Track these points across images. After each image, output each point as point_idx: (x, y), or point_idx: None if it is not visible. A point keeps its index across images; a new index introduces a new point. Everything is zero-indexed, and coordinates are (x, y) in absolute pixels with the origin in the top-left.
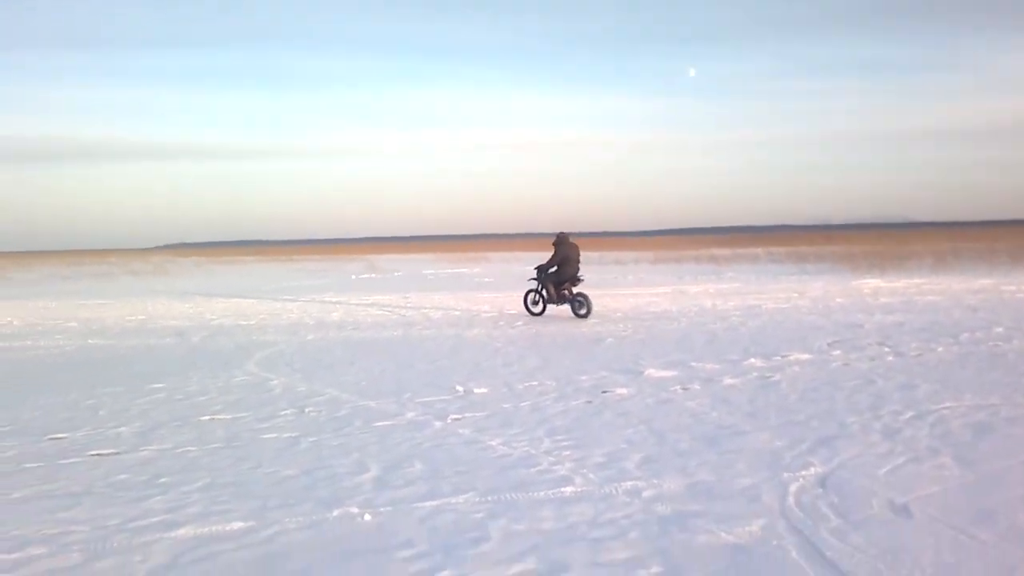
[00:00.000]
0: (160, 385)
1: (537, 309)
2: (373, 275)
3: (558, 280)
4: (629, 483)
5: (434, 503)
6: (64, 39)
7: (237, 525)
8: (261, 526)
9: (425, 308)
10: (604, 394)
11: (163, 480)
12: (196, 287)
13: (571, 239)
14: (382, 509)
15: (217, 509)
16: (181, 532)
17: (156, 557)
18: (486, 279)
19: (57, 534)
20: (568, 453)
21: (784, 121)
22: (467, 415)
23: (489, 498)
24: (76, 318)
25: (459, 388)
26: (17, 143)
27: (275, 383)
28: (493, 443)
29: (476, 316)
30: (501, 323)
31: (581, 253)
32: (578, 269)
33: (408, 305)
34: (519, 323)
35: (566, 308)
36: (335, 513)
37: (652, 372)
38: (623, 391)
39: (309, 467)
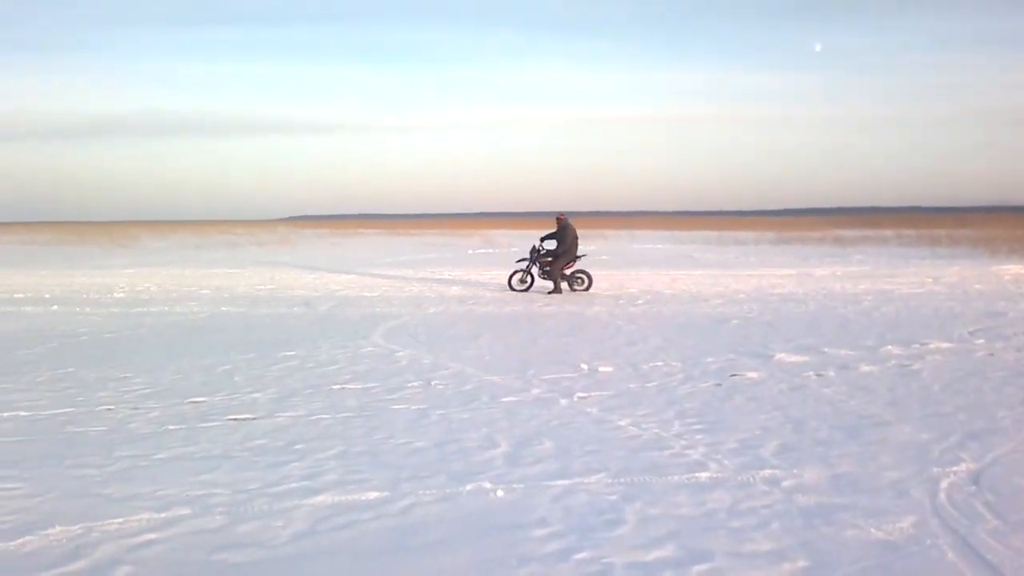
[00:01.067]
0: (291, 353)
1: (523, 287)
2: (491, 250)
3: (567, 261)
4: (767, 471)
5: (566, 482)
6: (192, 16)
7: (373, 495)
8: (396, 496)
9: (544, 284)
10: (733, 377)
11: (299, 447)
12: (320, 258)
13: (558, 220)
14: (515, 486)
15: (353, 478)
16: (319, 499)
17: (296, 523)
18: (603, 257)
19: (201, 496)
20: (700, 437)
21: (914, 98)
22: (593, 394)
23: (622, 480)
24: (208, 286)
25: (583, 366)
26: (151, 117)
27: (401, 355)
28: (622, 423)
29: (595, 294)
30: (622, 301)
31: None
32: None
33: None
34: (640, 302)
35: (548, 284)
36: (468, 487)
37: (782, 356)
38: (753, 375)
39: (440, 440)
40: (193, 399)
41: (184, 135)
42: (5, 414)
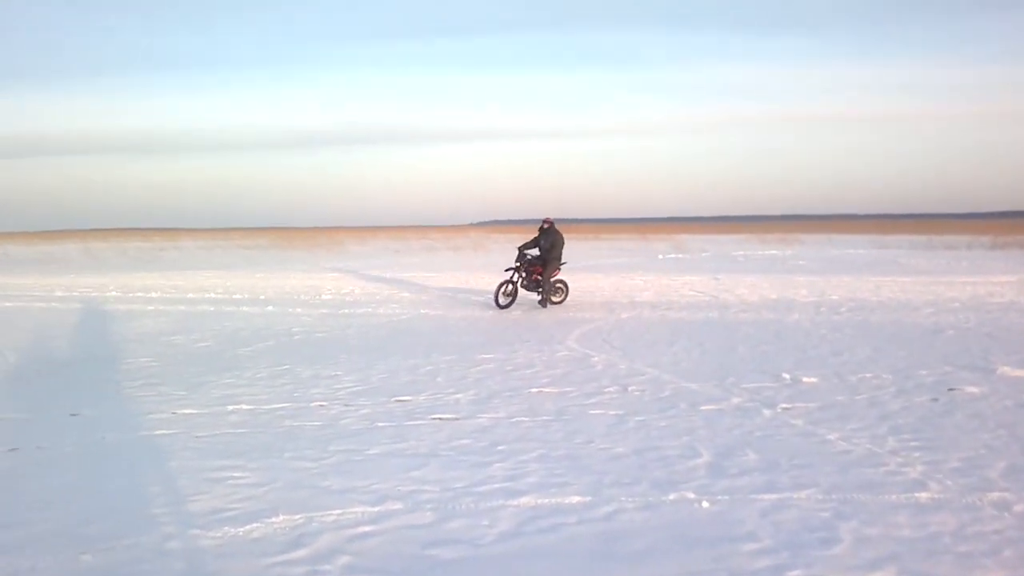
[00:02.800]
0: (489, 356)
1: (506, 301)
2: (680, 255)
3: (555, 268)
4: (995, 494)
5: (774, 496)
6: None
7: (576, 499)
8: (599, 502)
9: (739, 290)
10: (951, 392)
11: (501, 448)
12: (512, 262)
13: (547, 225)
14: (719, 497)
15: (554, 481)
16: (523, 500)
17: (502, 524)
18: (800, 262)
19: (411, 491)
20: (918, 455)
21: None
22: (797, 405)
23: (834, 496)
24: (409, 289)
25: (785, 375)
26: (352, 128)
27: (596, 360)
28: (831, 437)
29: (794, 300)
30: (823, 308)
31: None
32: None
33: (720, 287)
34: (843, 309)
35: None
36: (671, 496)
37: (1006, 370)
38: (973, 390)
39: (639, 447)
40: (400, 397)
41: (383, 144)
42: (231, 407)
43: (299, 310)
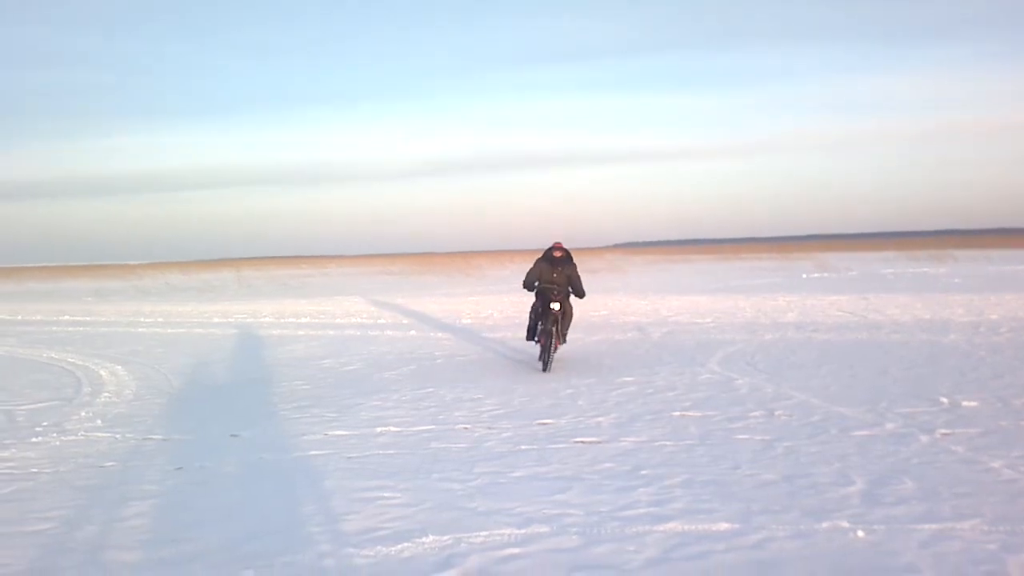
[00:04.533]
0: (629, 379)
1: (538, 352)
2: (825, 274)
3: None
4: None
5: (934, 526)
6: (519, 56)
7: (724, 526)
8: (748, 529)
9: (889, 310)
10: None
11: (644, 472)
12: (648, 284)
13: (560, 251)
14: (875, 527)
15: (701, 507)
16: (669, 526)
17: (648, 550)
18: (955, 280)
19: (556, 515)
20: None
21: None
22: (957, 431)
23: (1000, 528)
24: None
25: (943, 400)
26: (484, 155)
27: (740, 383)
28: (995, 465)
29: (949, 320)
30: (982, 329)
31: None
32: None
33: (869, 307)
34: (1003, 330)
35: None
36: (824, 525)
37: None
38: None
39: (788, 473)
40: (542, 420)
41: (523, 169)
42: (379, 429)
43: (440, 334)
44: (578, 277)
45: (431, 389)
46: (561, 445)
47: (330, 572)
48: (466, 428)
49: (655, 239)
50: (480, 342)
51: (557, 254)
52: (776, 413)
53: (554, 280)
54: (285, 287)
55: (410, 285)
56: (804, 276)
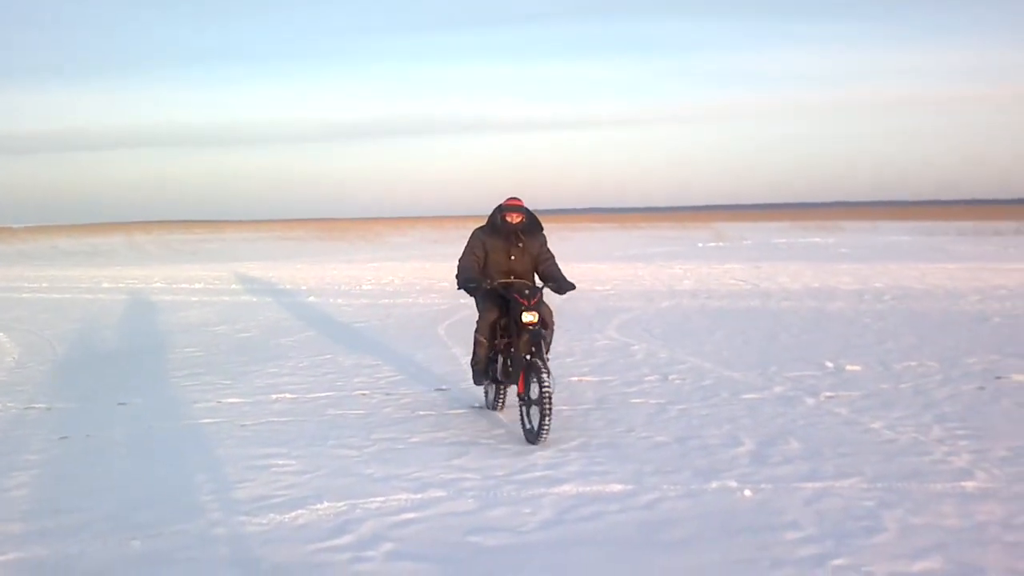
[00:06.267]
0: None
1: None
2: (720, 243)
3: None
4: None
5: (818, 485)
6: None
7: (617, 487)
8: (640, 490)
9: (780, 278)
10: (998, 380)
11: (541, 436)
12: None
13: (519, 213)
14: (762, 486)
15: (595, 469)
16: (564, 488)
17: (544, 511)
18: (842, 250)
19: (453, 479)
20: (964, 443)
21: None
22: (841, 393)
23: (879, 485)
24: (447, 279)
25: (829, 364)
26: (391, 119)
27: (636, 348)
28: (875, 426)
29: (836, 288)
30: (866, 296)
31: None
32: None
33: (761, 275)
34: (887, 297)
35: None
36: (713, 485)
37: None
38: (1021, 378)
39: (681, 435)
40: (440, 386)
41: (423, 135)
42: (274, 396)
43: (340, 300)
44: (551, 256)
45: (329, 355)
46: (460, 410)
47: (220, 541)
48: (364, 394)
49: (556, 207)
50: (380, 308)
51: (513, 219)
52: (670, 378)
53: (512, 268)
54: (179, 252)
55: (310, 251)
56: (700, 245)
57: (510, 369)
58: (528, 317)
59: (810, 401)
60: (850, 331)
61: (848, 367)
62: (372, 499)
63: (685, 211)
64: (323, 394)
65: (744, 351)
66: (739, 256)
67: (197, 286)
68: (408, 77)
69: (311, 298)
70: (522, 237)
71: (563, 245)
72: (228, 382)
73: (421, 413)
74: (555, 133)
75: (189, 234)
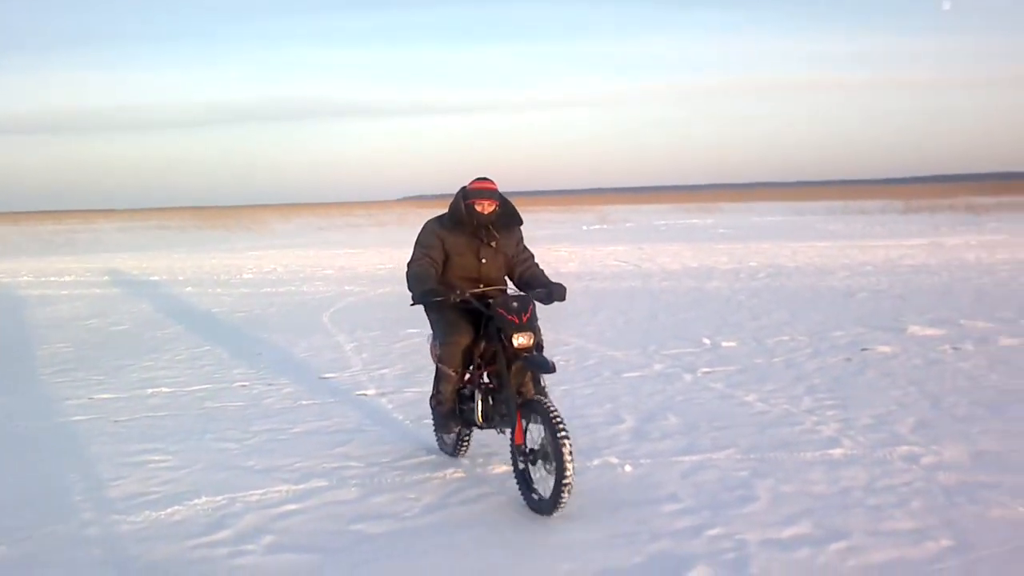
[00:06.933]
0: (414, 331)
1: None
2: (604, 225)
3: (452, 328)
4: (904, 448)
5: (695, 458)
6: (313, 4)
7: (501, 469)
8: None
9: (661, 259)
10: (864, 351)
11: (427, 421)
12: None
13: (492, 200)
14: (642, 461)
15: (481, 451)
16: (448, 472)
17: (428, 496)
18: (720, 230)
19: (336, 468)
20: (832, 413)
21: None
22: (718, 369)
23: (752, 456)
24: (332, 266)
25: (706, 341)
26: (278, 103)
27: None
28: (748, 399)
29: (714, 268)
30: (742, 275)
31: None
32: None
33: (643, 256)
34: (762, 275)
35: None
36: (595, 462)
37: (916, 329)
38: (885, 349)
39: (565, 415)
40: (324, 375)
41: (310, 119)
42: (150, 390)
43: (219, 290)
44: (531, 255)
45: (207, 347)
46: (344, 398)
47: (93, 541)
48: (244, 385)
49: (444, 192)
50: (261, 297)
51: (484, 207)
52: (555, 358)
53: (484, 274)
54: (48, 244)
55: (189, 240)
56: (585, 228)
57: (496, 411)
58: (522, 339)
59: (688, 377)
60: (726, 309)
61: (724, 343)
62: (252, 492)
63: (571, 195)
64: (201, 387)
65: (626, 331)
66: (622, 238)
67: (68, 279)
68: (293, 60)
69: (189, 289)
70: (495, 232)
71: None
72: (101, 377)
73: (304, 403)
74: (441, 118)
75: (60, 224)
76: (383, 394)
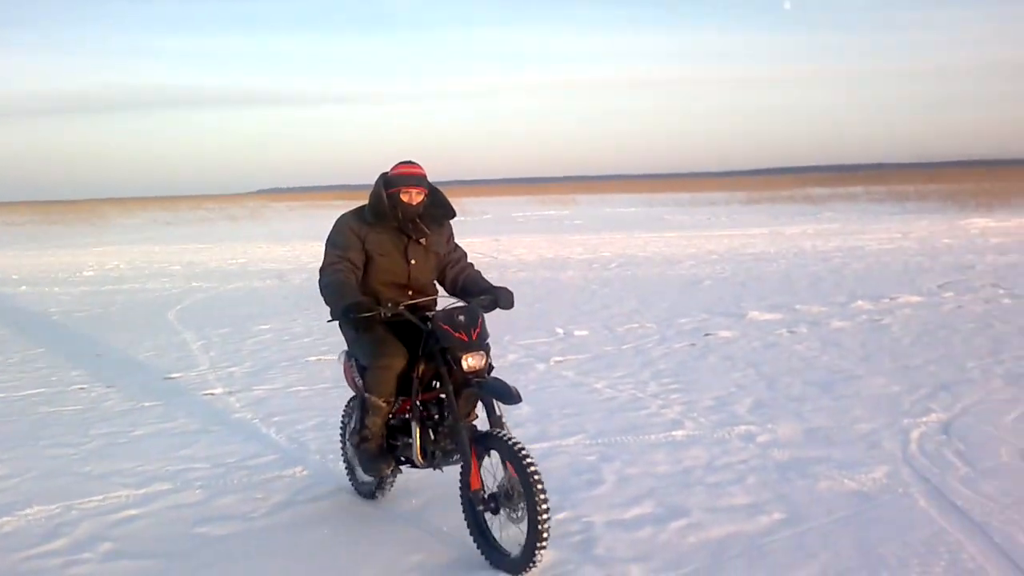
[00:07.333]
0: (266, 327)
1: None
2: (462, 218)
3: (378, 349)
4: (742, 427)
5: (545, 445)
6: None
7: None
8: None
9: (517, 250)
10: (707, 337)
11: (276, 419)
12: (292, 231)
13: (420, 188)
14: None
15: (332, 448)
16: (297, 470)
17: (276, 495)
18: (576, 222)
19: (180, 471)
20: (676, 396)
21: (883, 54)
22: (570, 357)
23: (600, 440)
24: (179, 262)
25: (559, 330)
26: (122, 91)
27: None
28: (598, 386)
29: (569, 259)
30: (595, 265)
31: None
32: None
33: (500, 248)
34: (613, 265)
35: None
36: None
37: (755, 314)
38: (727, 334)
39: None
40: (169, 375)
41: (155, 109)
42: None
43: (57, 289)
44: (464, 255)
45: (42, 349)
46: (189, 398)
47: None
48: (82, 388)
49: (299, 185)
50: (103, 295)
51: (412, 197)
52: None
53: (414, 279)
54: None
55: (23, 237)
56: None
57: (438, 446)
58: (472, 360)
59: (541, 367)
60: (580, 298)
61: (576, 332)
62: (89, 499)
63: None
64: (35, 391)
65: None
66: (479, 230)
67: None
68: (139, 47)
69: (23, 288)
70: (425, 228)
71: (305, 222)
72: None
73: (147, 404)
74: (297, 110)
75: None
76: (231, 393)
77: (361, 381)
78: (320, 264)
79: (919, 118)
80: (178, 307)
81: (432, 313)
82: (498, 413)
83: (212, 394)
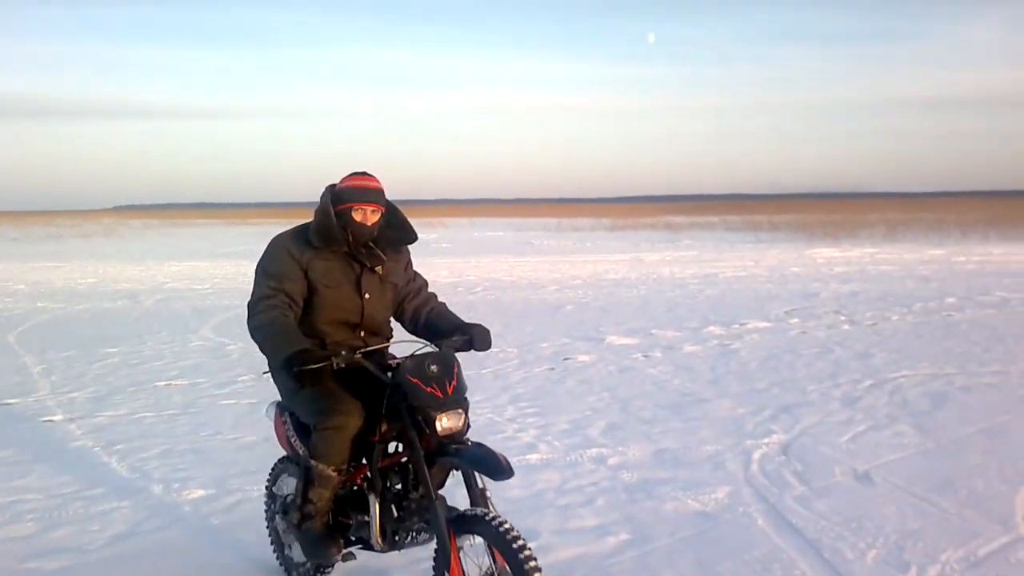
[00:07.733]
0: (114, 350)
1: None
2: None
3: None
4: (595, 450)
5: None
6: None
7: (199, 492)
8: (222, 493)
9: None
10: (566, 361)
11: (119, 447)
12: (147, 250)
13: (376, 206)
14: None
15: (178, 476)
16: (139, 500)
17: (115, 526)
18: (444, 244)
19: (10, 502)
20: (532, 420)
21: (741, 90)
22: None
23: None
24: (25, 281)
25: None
26: None
27: (232, 348)
28: None
29: (434, 282)
30: (459, 289)
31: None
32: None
33: None
34: (479, 289)
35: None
36: None
37: (613, 339)
38: (585, 358)
39: (269, 434)
40: (5, 401)
41: (5, 119)
42: None
43: None
44: (425, 284)
45: None
46: (26, 426)
47: None
48: None
49: (160, 202)
50: None
51: (366, 216)
52: (265, 376)
53: (369, 315)
54: None
55: None
56: None
57: (403, 526)
58: (449, 421)
59: None
60: None
61: None
62: None
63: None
64: None
65: None
66: None
67: None
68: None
69: None
70: (381, 254)
71: (162, 240)
72: None
73: None
74: (155, 121)
75: None
76: (72, 419)
77: (301, 444)
78: (249, 298)
79: (775, 151)
80: (20, 329)
81: (397, 362)
82: (480, 487)
83: (51, 421)
